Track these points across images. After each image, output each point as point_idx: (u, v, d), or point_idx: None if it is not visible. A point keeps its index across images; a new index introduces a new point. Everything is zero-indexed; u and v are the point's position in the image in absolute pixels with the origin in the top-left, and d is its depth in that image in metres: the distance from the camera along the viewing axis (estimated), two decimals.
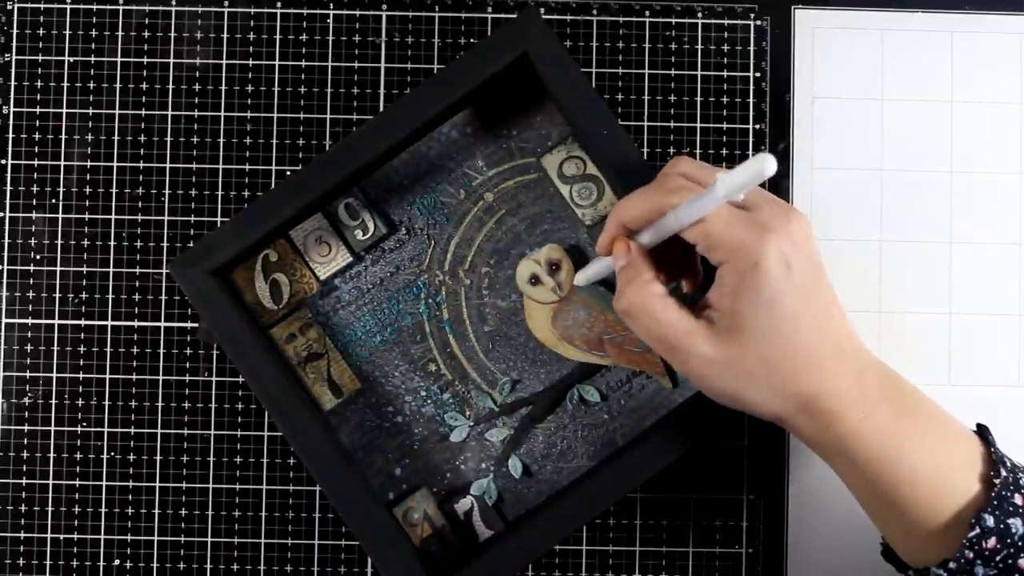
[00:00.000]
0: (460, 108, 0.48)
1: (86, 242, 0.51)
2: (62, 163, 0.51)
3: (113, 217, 0.51)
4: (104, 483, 0.50)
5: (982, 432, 0.40)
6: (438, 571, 0.47)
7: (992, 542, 0.37)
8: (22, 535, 0.50)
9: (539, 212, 0.50)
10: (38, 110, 0.51)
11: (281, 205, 0.46)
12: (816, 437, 0.39)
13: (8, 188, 0.51)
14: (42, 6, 0.51)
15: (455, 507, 0.49)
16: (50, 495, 0.50)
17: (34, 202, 0.51)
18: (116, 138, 0.51)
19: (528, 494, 0.50)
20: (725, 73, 0.51)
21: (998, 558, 0.37)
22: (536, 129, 0.50)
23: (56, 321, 0.51)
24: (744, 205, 0.38)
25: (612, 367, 0.50)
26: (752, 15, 0.52)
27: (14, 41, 0.51)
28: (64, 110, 0.51)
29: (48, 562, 0.50)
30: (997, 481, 0.37)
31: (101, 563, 0.50)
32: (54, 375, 0.51)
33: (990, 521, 0.37)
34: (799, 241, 0.38)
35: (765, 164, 0.33)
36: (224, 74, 0.51)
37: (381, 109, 0.51)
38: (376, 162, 0.47)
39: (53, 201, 0.51)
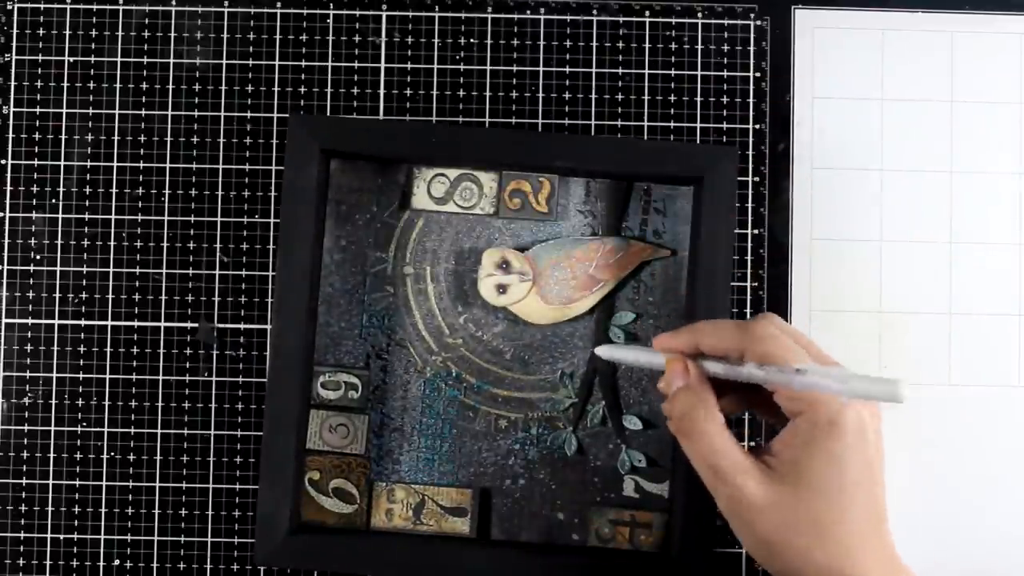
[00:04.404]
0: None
1: (86, 242, 0.51)
2: (62, 163, 0.51)
3: (113, 217, 0.51)
4: (104, 483, 0.50)
5: None
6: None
7: None
8: (22, 535, 0.50)
9: (451, 240, 0.50)
10: (38, 110, 0.51)
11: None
12: None
13: (8, 188, 0.51)
14: (42, 6, 0.51)
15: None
16: (50, 495, 0.50)
17: (34, 202, 0.51)
18: (116, 138, 0.51)
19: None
20: (725, 73, 0.51)
21: None
22: (376, 192, 0.50)
23: (56, 321, 0.51)
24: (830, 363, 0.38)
25: (615, 287, 0.49)
26: (752, 15, 0.52)
27: (14, 41, 0.51)
28: (64, 110, 0.51)
29: (48, 562, 0.50)
30: None
31: (101, 563, 0.50)
32: (54, 375, 0.51)
33: None
34: (877, 415, 0.38)
35: (899, 391, 0.32)
36: (224, 74, 0.51)
37: (381, 109, 0.51)
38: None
39: (53, 201, 0.51)
